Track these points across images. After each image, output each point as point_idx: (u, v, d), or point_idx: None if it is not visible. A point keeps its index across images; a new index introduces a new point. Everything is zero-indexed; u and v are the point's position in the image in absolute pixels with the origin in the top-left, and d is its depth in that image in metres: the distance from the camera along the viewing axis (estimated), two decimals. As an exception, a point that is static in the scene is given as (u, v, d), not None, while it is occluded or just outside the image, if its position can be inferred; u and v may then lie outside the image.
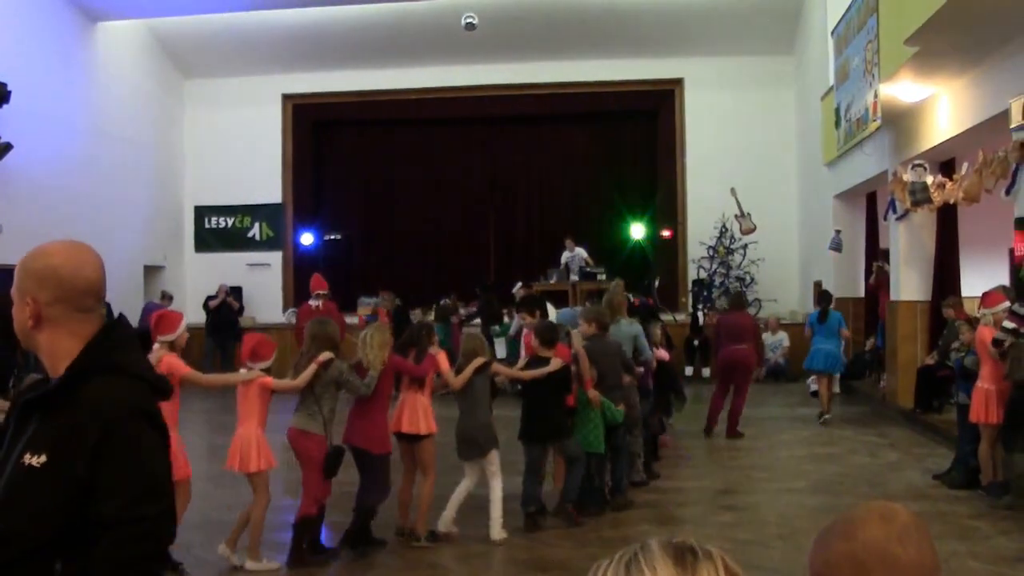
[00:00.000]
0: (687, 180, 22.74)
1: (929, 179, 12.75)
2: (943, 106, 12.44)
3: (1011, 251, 16.89)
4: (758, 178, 21.50)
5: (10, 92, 15.90)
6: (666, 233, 22.39)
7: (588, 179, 23.65)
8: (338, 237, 23.47)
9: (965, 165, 11.54)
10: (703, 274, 21.58)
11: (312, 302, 16.85)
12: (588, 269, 19.94)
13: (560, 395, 8.49)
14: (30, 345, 2.43)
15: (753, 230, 20.79)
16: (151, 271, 21.97)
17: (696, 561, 1.41)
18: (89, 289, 2.43)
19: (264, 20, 21.50)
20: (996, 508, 8.69)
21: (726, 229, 21.48)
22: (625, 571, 1.40)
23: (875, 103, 13.13)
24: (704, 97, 22.57)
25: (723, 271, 21.54)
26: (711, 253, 21.68)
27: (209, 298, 20.84)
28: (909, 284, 14.40)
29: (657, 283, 20.41)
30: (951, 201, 12.25)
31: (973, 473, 9.51)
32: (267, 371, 7.40)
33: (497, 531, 7.94)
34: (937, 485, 9.78)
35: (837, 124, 15.96)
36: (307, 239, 23.02)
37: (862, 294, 17.64)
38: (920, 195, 12.89)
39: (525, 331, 11.03)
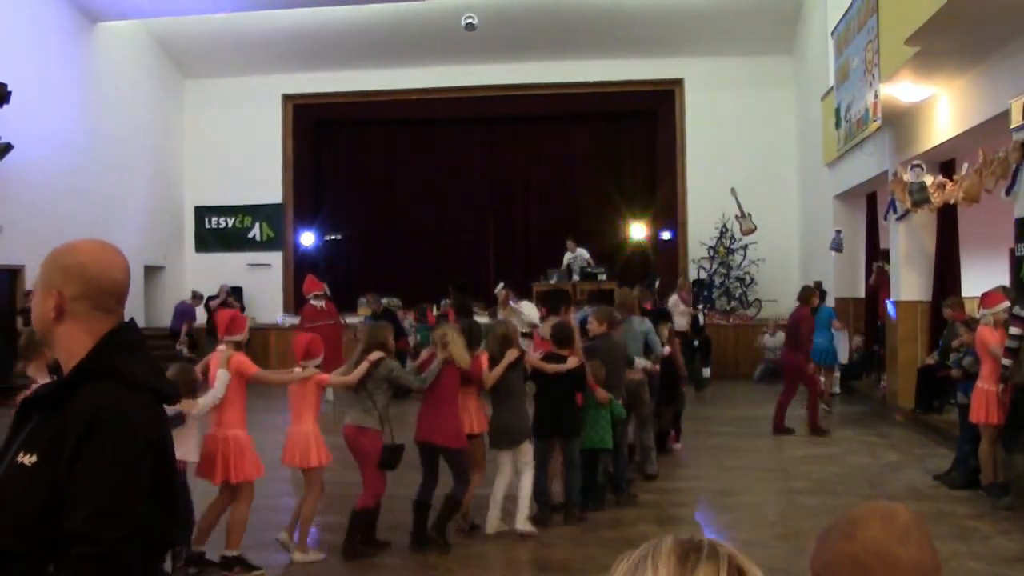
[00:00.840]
0: (687, 180, 22.74)
1: (929, 179, 12.75)
2: (943, 106, 12.44)
3: (1011, 251, 16.96)
4: (758, 178, 21.52)
5: (10, 92, 15.91)
6: (666, 234, 22.38)
7: (588, 179, 23.67)
8: (338, 237, 23.47)
9: (965, 165, 11.54)
10: (703, 274, 21.60)
11: (314, 302, 16.92)
12: (589, 269, 19.95)
13: (574, 393, 8.61)
14: (47, 337, 2.44)
15: (753, 230, 20.79)
16: (151, 271, 21.97)
17: (698, 561, 1.41)
18: (113, 290, 2.44)
19: (264, 20, 21.50)
20: (997, 509, 8.69)
21: (726, 229, 21.50)
22: (634, 567, 1.42)
23: (875, 103, 13.13)
24: (704, 97, 22.58)
25: (723, 271, 21.55)
26: (711, 253, 21.69)
27: (210, 298, 20.84)
28: (909, 284, 14.40)
29: (657, 283, 20.39)
30: (951, 201, 12.25)
31: (973, 473, 9.51)
32: (318, 368, 7.61)
33: (523, 522, 8.05)
34: (937, 485, 9.79)
35: (837, 124, 15.96)
36: (307, 239, 23.03)
37: (862, 294, 17.65)
38: (918, 195, 12.90)
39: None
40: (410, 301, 19.68)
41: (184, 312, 21.00)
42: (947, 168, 13.16)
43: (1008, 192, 10.33)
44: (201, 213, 24.04)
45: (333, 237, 23.44)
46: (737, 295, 21.44)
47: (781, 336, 19.35)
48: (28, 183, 17.36)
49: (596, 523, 8.54)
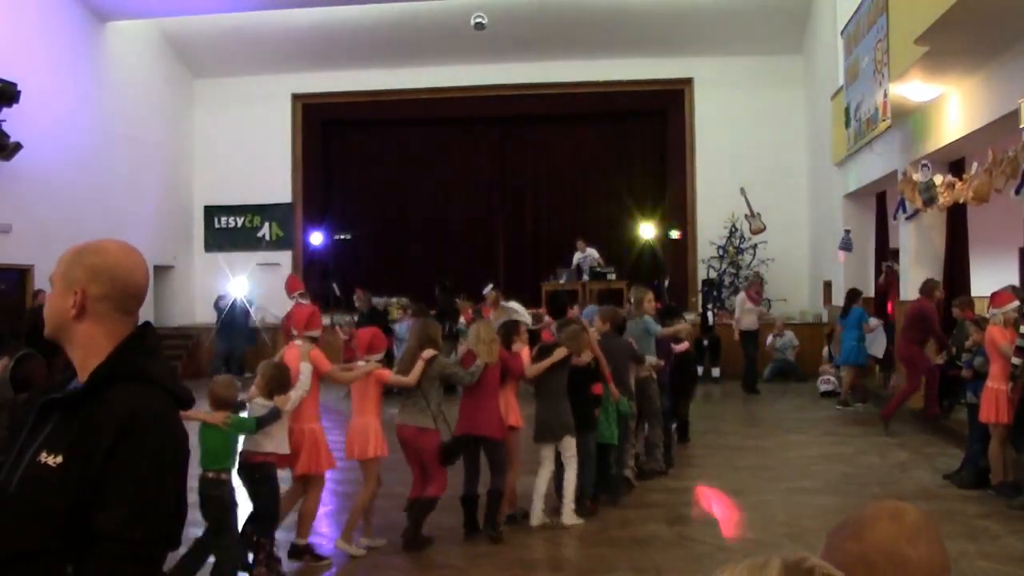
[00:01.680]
0: (697, 180, 22.73)
1: (938, 179, 12.73)
2: (953, 105, 12.42)
3: (1021, 250, 16.94)
4: (768, 178, 21.49)
5: (20, 92, 15.96)
6: (675, 234, 22.36)
7: (597, 179, 23.62)
8: (348, 237, 23.49)
9: (975, 165, 11.52)
10: (713, 274, 21.58)
11: (302, 301, 17.06)
12: (599, 269, 19.96)
13: (588, 387, 8.77)
14: (61, 336, 2.42)
15: (763, 230, 20.77)
16: (161, 271, 22.01)
17: None
18: (136, 293, 2.45)
19: (274, 20, 21.55)
20: (1012, 508, 8.67)
21: (736, 229, 21.48)
22: None
23: (885, 103, 13.11)
24: (714, 97, 22.56)
25: (733, 271, 21.53)
26: (721, 253, 21.69)
27: (220, 298, 20.87)
28: (919, 284, 14.35)
29: (667, 283, 20.39)
30: (960, 201, 12.23)
31: (983, 473, 9.50)
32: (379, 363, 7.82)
33: (569, 515, 8.30)
34: (947, 485, 9.77)
35: (847, 124, 15.93)
36: (317, 239, 23.05)
37: (872, 293, 17.60)
38: (924, 194, 12.89)
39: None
40: (419, 301, 19.70)
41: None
42: (956, 167, 13.14)
43: (1017, 191, 10.30)
44: (210, 212, 24.08)
45: (342, 237, 23.45)
46: (746, 295, 21.41)
47: (789, 336, 19.40)
48: (37, 182, 17.41)
49: (606, 522, 8.54)
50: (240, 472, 6.87)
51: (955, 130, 12.30)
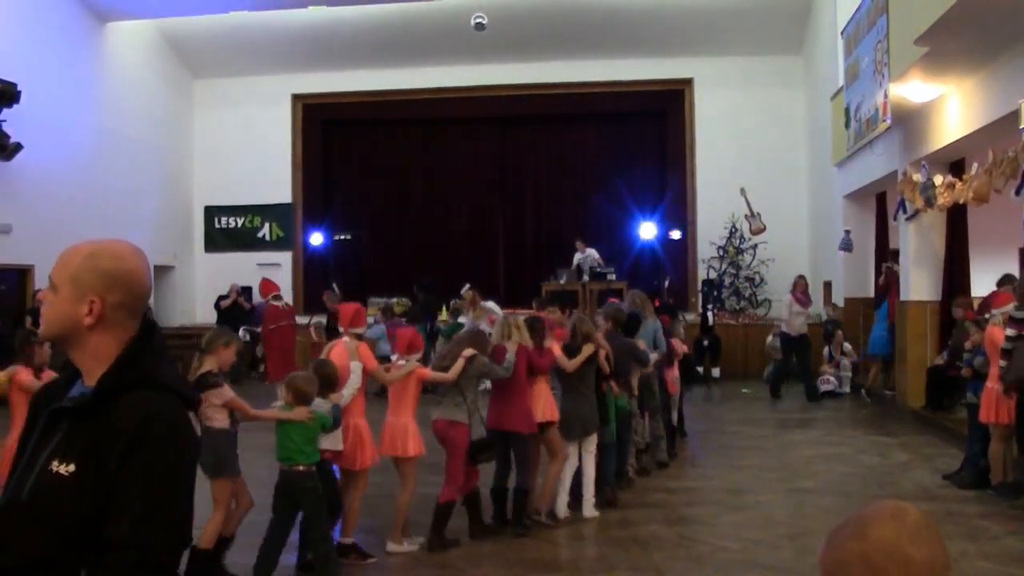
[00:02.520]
0: (697, 180, 22.73)
1: (938, 179, 12.74)
2: (953, 106, 12.43)
3: (1021, 251, 16.93)
4: (768, 178, 21.49)
5: (20, 92, 15.98)
6: (675, 234, 22.36)
7: (597, 179, 23.61)
8: (348, 237, 23.50)
9: (975, 165, 11.53)
10: (713, 274, 21.59)
11: (275, 303, 17.28)
12: (599, 269, 19.97)
13: (602, 381, 8.99)
14: (69, 342, 2.35)
15: (763, 230, 20.76)
16: (161, 271, 22.01)
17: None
18: (146, 296, 2.41)
19: (273, 20, 21.56)
20: (1014, 509, 8.67)
21: (736, 229, 21.47)
22: None
23: (885, 103, 13.11)
24: (714, 97, 22.56)
25: (733, 271, 21.53)
26: (721, 253, 21.69)
27: (221, 298, 20.88)
28: (919, 284, 14.39)
29: (667, 283, 20.40)
30: (960, 201, 12.23)
31: (983, 473, 9.50)
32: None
33: (589, 509, 8.58)
34: (947, 485, 9.77)
35: (847, 124, 15.94)
36: (317, 239, 23.06)
37: (872, 294, 17.61)
38: (926, 194, 12.90)
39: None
40: (418, 300, 19.77)
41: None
42: (956, 168, 13.15)
43: (1018, 192, 10.30)
44: (211, 213, 24.08)
45: (342, 237, 23.47)
46: (747, 295, 21.43)
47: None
48: (37, 183, 17.42)
49: (606, 522, 8.55)
50: None
51: (955, 130, 12.31)
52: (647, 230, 21.52)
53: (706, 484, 10.23)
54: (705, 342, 19.49)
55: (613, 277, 19.86)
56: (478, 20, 20.35)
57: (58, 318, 2.34)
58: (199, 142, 24.14)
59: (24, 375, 7.28)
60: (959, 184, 12.08)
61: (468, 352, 7.79)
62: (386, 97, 23.55)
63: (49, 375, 7.02)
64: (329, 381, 7.10)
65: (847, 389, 16.76)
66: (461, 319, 17.19)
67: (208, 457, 6.51)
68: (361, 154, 24.95)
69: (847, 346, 17.33)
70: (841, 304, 18.56)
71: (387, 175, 24.58)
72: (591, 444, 8.65)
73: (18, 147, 16.29)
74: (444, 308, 19.12)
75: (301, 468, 6.75)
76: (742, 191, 20.64)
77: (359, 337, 7.74)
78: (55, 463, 2.20)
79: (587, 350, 8.57)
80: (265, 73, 23.47)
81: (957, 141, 12.34)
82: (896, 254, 16.01)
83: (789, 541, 7.84)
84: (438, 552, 7.59)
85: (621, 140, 24.05)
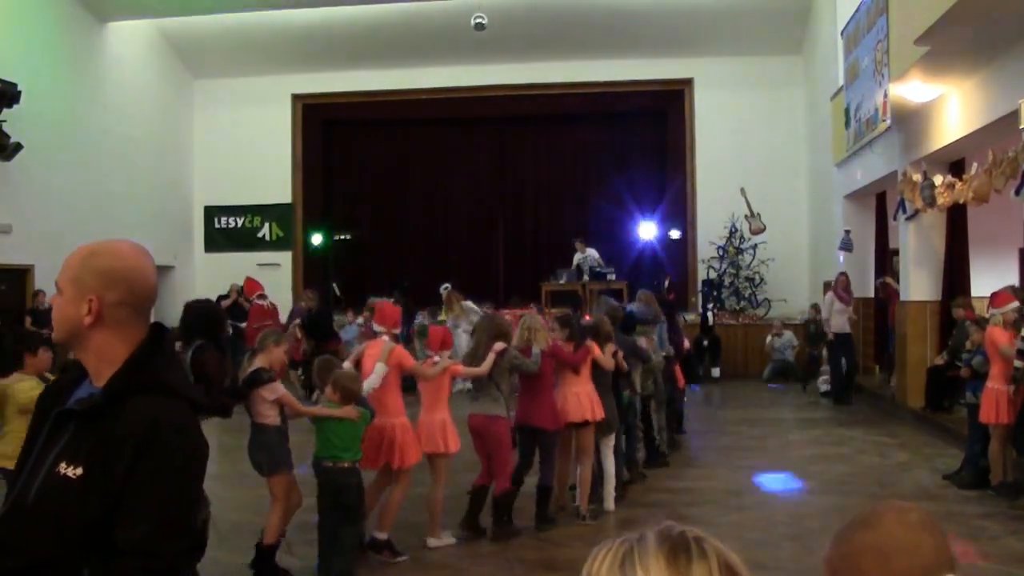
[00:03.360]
0: (697, 180, 22.73)
1: (938, 179, 12.74)
2: (953, 106, 12.42)
3: (1021, 251, 16.94)
4: (768, 178, 21.49)
5: (20, 92, 15.96)
6: (675, 234, 22.35)
7: (597, 179, 23.63)
8: (348, 237, 23.50)
9: (975, 165, 11.53)
10: (713, 274, 21.59)
11: (259, 302, 17.38)
12: (599, 270, 19.98)
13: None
14: (74, 343, 2.35)
15: (763, 230, 20.77)
16: (161, 271, 21.87)
17: (690, 562, 1.36)
18: (151, 296, 2.40)
19: (273, 20, 21.56)
20: (1014, 509, 8.68)
21: (736, 229, 21.47)
22: (620, 568, 1.38)
23: (885, 103, 13.12)
24: (714, 97, 22.56)
25: (733, 271, 21.53)
26: (721, 253, 21.68)
27: (221, 298, 20.84)
28: (919, 284, 14.39)
29: (667, 283, 20.40)
30: (960, 201, 12.23)
31: (983, 473, 9.50)
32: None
33: (610, 502, 8.88)
34: (947, 485, 9.78)
35: (847, 124, 15.94)
36: (317, 239, 23.05)
37: (872, 294, 17.60)
38: (924, 193, 12.90)
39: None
40: (418, 300, 19.75)
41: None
42: (956, 168, 13.15)
43: (1017, 192, 10.30)
44: (211, 213, 24.09)
45: (342, 237, 23.47)
46: (746, 295, 21.43)
47: (789, 336, 19.41)
48: (37, 183, 17.41)
49: (606, 523, 8.57)
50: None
51: (955, 130, 12.30)
52: (647, 230, 21.51)
53: (706, 484, 10.23)
54: (705, 342, 19.50)
55: (613, 277, 19.87)
56: (478, 20, 20.35)
57: (63, 319, 2.35)
58: (199, 142, 24.14)
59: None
60: (959, 184, 12.08)
61: (499, 346, 7.94)
62: (386, 97, 23.55)
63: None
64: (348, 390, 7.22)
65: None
66: (440, 318, 17.28)
67: (263, 454, 6.76)
68: (361, 154, 24.96)
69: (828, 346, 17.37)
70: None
71: (387, 175, 24.60)
72: (611, 441, 8.89)
73: (18, 147, 16.27)
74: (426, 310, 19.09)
75: (346, 464, 6.87)
76: (742, 191, 20.64)
77: (396, 338, 7.91)
78: (62, 465, 2.20)
79: (609, 349, 8.86)
80: (265, 73, 23.47)
81: (957, 141, 12.33)
82: (895, 261, 16.02)
83: (789, 541, 7.85)
84: (502, 541, 7.85)
85: (621, 140, 24.07)
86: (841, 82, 16.60)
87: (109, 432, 2.18)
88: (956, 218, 13.66)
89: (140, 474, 2.15)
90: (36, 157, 16.96)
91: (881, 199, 17.09)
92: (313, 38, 22.12)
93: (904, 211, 14.40)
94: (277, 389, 6.82)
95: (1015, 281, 14.73)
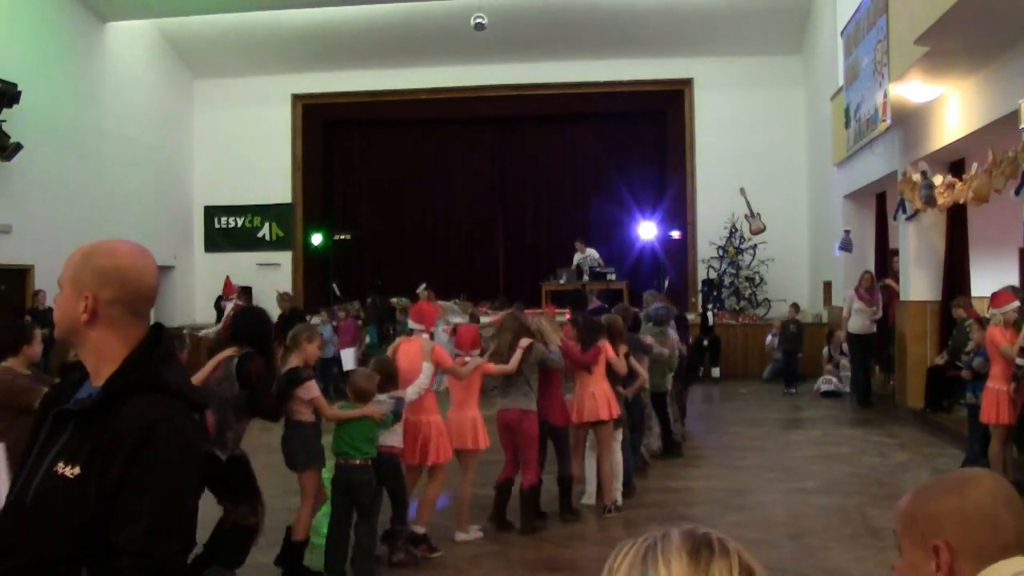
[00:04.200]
0: (697, 180, 22.73)
1: (938, 179, 12.73)
2: (953, 106, 12.42)
3: (1021, 251, 16.94)
4: (767, 178, 21.48)
5: (20, 92, 15.97)
6: (675, 234, 22.35)
7: (597, 179, 23.63)
8: (348, 237, 23.51)
9: (975, 165, 11.52)
10: (713, 274, 21.59)
11: (239, 302, 17.54)
12: (599, 270, 19.99)
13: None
14: (74, 340, 2.39)
15: (763, 230, 20.77)
16: (161, 271, 21.49)
17: (711, 558, 1.41)
18: (148, 295, 2.42)
19: (274, 20, 21.56)
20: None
21: (736, 229, 21.47)
22: (642, 561, 1.41)
23: (885, 103, 13.11)
24: (713, 97, 22.56)
25: (733, 271, 21.53)
26: (721, 253, 21.68)
27: (220, 298, 20.86)
28: (919, 284, 14.38)
29: (667, 283, 20.40)
30: (960, 201, 12.23)
31: (983, 473, 9.48)
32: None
33: (618, 496, 8.98)
34: (947, 485, 9.76)
35: (847, 124, 15.94)
36: (317, 239, 23.05)
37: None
38: (924, 193, 12.90)
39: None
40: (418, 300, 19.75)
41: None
42: (956, 168, 13.15)
43: (1017, 192, 10.30)
44: (210, 213, 24.08)
45: (342, 237, 23.48)
46: (746, 295, 21.43)
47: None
48: (37, 183, 17.41)
49: (606, 522, 8.58)
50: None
51: (955, 130, 12.30)
52: (647, 230, 21.50)
53: (707, 484, 10.24)
54: (705, 342, 19.49)
55: (613, 277, 19.89)
56: (478, 20, 20.34)
57: (63, 317, 2.39)
58: (199, 142, 24.13)
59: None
60: (959, 184, 12.08)
61: (525, 342, 8.09)
62: (386, 97, 23.53)
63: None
64: (390, 377, 7.34)
65: (848, 389, 16.72)
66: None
67: (298, 450, 6.82)
68: (361, 154, 24.98)
69: (847, 346, 17.28)
70: (841, 304, 18.53)
71: (387, 175, 24.58)
72: (618, 435, 9.06)
73: (18, 147, 16.27)
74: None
75: (357, 462, 6.90)
76: (742, 191, 20.65)
77: (431, 336, 8.07)
78: (60, 465, 2.21)
79: (623, 350, 9.09)
80: (265, 73, 23.46)
81: (957, 141, 12.33)
82: (895, 262, 16.01)
83: (789, 541, 7.84)
84: (530, 535, 8.04)
85: (621, 140, 24.07)
86: (841, 82, 16.60)
87: (107, 432, 2.20)
88: (956, 218, 13.66)
89: (135, 473, 2.16)
90: (36, 157, 16.96)
91: (881, 199, 17.07)
92: (313, 38, 22.12)
93: (904, 211, 14.40)
94: (312, 389, 6.86)
95: (1015, 281, 14.71)
